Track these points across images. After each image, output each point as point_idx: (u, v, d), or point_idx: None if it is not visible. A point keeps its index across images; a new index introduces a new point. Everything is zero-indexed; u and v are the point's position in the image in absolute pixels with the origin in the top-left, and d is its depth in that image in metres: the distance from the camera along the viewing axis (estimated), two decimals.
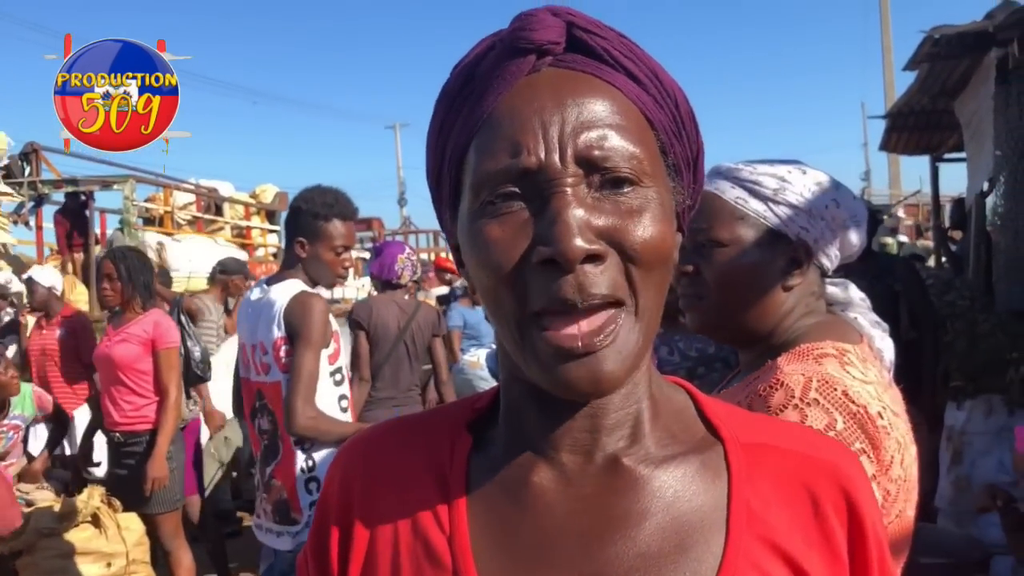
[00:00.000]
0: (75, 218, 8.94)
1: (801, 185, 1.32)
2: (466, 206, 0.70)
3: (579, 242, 0.62)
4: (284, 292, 3.03)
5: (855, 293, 1.38)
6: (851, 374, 1.20)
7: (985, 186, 6.34)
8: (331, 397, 3.07)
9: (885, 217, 13.67)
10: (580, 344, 0.64)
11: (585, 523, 0.70)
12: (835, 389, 1.15)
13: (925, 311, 4.37)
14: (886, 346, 1.34)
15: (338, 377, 3.13)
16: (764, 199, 1.32)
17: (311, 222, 3.09)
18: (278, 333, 2.99)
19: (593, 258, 0.64)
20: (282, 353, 2.99)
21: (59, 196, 9.51)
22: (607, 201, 0.66)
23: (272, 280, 3.18)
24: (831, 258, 1.36)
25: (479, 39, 0.74)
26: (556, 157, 0.65)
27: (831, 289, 1.39)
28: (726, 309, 1.35)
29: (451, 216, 0.75)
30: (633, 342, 0.67)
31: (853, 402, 1.14)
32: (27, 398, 4.77)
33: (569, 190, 0.65)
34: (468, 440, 0.78)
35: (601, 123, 0.67)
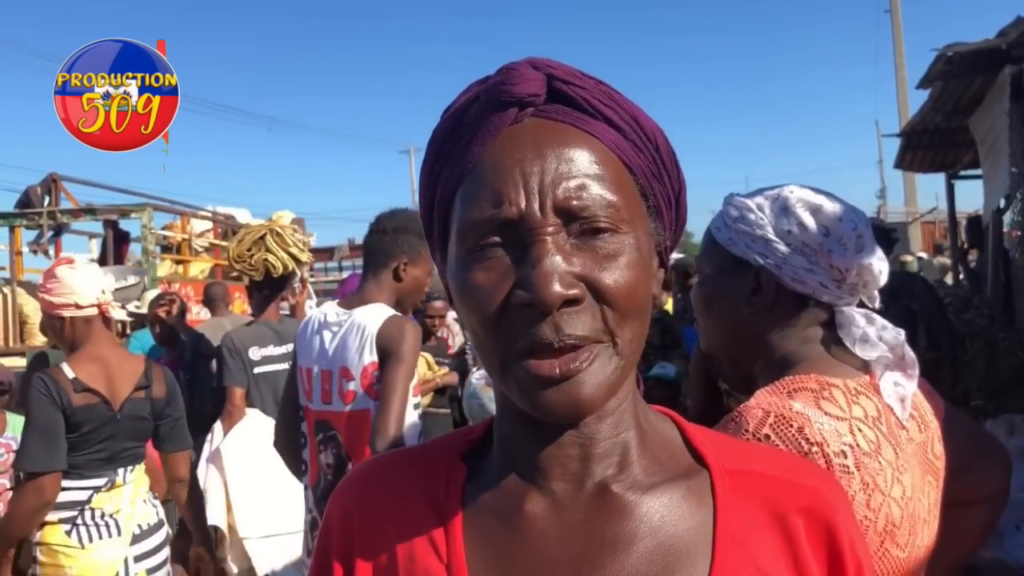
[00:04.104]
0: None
1: (762, 211, 1.33)
2: (453, 251, 0.74)
3: (557, 288, 0.66)
4: (373, 316, 2.85)
5: (857, 330, 1.32)
6: (824, 409, 1.19)
7: (1002, 203, 6.31)
8: (413, 429, 2.94)
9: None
10: (558, 371, 0.67)
11: (576, 549, 0.73)
12: (791, 426, 1.15)
13: (943, 330, 4.34)
14: (900, 386, 1.30)
15: (417, 410, 3.01)
16: (728, 228, 1.36)
17: (416, 243, 2.96)
18: (370, 358, 2.80)
19: (570, 302, 0.67)
20: (373, 380, 2.81)
21: (78, 225, 9.60)
22: (585, 247, 0.69)
23: (352, 302, 2.98)
24: (818, 286, 1.32)
25: (474, 75, 0.78)
26: (536, 207, 0.68)
27: (840, 319, 1.34)
28: (708, 334, 1.43)
29: (442, 257, 0.79)
30: (610, 370, 0.70)
31: (807, 440, 1.14)
32: (18, 424, 4.83)
33: (548, 239, 0.68)
34: (463, 470, 0.81)
35: (580, 173, 0.70)
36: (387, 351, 2.79)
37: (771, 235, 1.31)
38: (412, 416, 2.95)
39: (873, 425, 1.23)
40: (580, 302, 0.67)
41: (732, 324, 1.38)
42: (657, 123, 0.77)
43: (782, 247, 1.31)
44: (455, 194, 0.74)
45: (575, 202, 0.68)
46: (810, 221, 1.31)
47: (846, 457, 1.16)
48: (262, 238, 4.52)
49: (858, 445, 1.18)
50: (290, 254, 4.52)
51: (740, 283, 1.35)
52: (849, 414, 1.21)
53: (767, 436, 1.14)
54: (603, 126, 0.73)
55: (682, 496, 0.76)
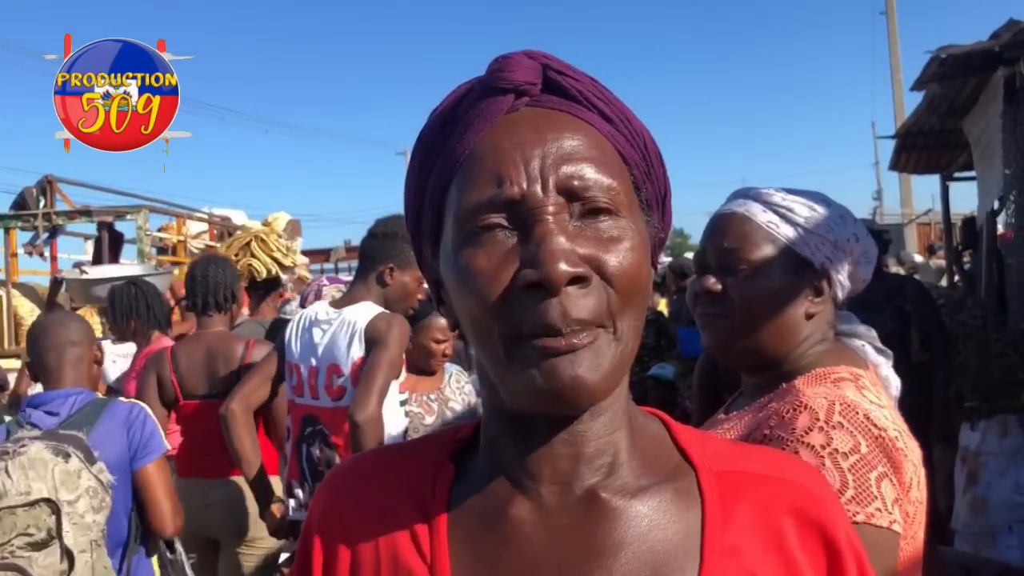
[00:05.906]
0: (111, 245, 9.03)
1: (829, 216, 1.35)
2: (450, 239, 0.73)
3: (564, 266, 0.65)
4: (362, 313, 2.94)
5: (859, 325, 1.41)
6: (867, 398, 1.21)
7: (996, 204, 6.33)
8: (399, 427, 2.99)
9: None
10: (563, 343, 0.66)
11: (562, 554, 0.71)
12: (857, 413, 1.16)
13: (936, 331, 4.34)
14: (891, 374, 1.37)
15: (405, 408, 3.05)
16: (795, 225, 1.34)
17: (406, 249, 2.97)
18: (359, 353, 2.87)
19: (577, 280, 0.66)
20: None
21: (73, 227, 9.59)
22: (588, 229, 0.69)
23: (341, 302, 3.06)
24: (844, 289, 1.38)
25: (463, 79, 0.77)
26: (538, 187, 0.68)
27: (840, 318, 1.42)
28: (746, 330, 1.37)
29: (432, 252, 0.78)
30: (612, 355, 0.68)
31: (875, 425, 1.15)
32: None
33: (551, 218, 0.67)
34: (450, 470, 0.80)
35: (579, 156, 0.70)
36: (373, 340, 2.85)
37: (840, 240, 1.35)
38: (399, 414, 2.98)
39: (895, 413, 1.26)
40: (587, 281, 0.66)
41: (785, 322, 1.35)
42: (645, 125, 0.78)
43: (841, 254, 1.35)
44: (449, 184, 0.73)
45: (577, 182, 0.68)
46: (860, 233, 1.37)
47: (900, 441, 1.18)
48: (247, 244, 4.94)
49: (903, 430, 1.21)
50: (273, 259, 4.94)
51: (803, 283, 1.35)
52: (882, 401, 1.24)
53: (840, 424, 1.15)
54: (597, 117, 0.73)
55: (670, 499, 0.74)
